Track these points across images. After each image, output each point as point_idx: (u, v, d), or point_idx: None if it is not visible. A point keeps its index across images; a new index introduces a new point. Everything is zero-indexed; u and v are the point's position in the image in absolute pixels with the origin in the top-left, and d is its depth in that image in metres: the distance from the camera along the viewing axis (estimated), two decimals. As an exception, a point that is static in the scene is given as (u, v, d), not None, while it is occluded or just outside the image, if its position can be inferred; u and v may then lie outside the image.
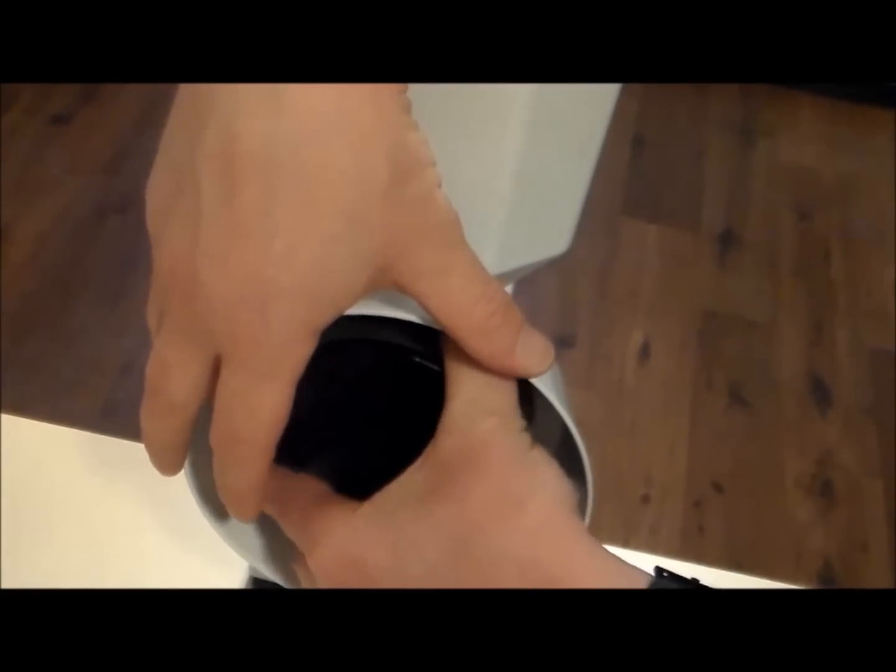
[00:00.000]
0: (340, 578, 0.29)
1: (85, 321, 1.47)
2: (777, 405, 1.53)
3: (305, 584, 0.34)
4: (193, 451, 0.34)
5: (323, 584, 0.30)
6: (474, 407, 0.29)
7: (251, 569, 0.37)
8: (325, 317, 0.26)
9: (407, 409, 0.33)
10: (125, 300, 1.49)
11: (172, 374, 0.27)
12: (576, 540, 0.28)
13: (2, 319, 1.45)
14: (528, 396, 0.32)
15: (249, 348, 0.25)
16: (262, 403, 0.26)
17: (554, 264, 0.36)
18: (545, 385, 0.30)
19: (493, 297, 0.28)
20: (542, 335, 0.29)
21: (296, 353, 0.26)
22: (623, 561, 0.28)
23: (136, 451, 0.51)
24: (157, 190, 0.27)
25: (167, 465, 0.30)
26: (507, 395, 0.30)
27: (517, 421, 0.30)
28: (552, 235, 0.36)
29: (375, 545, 0.28)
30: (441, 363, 0.31)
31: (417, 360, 0.31)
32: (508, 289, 0.37)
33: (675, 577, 0.29)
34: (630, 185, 1.83)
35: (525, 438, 0.29)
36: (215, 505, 0.35)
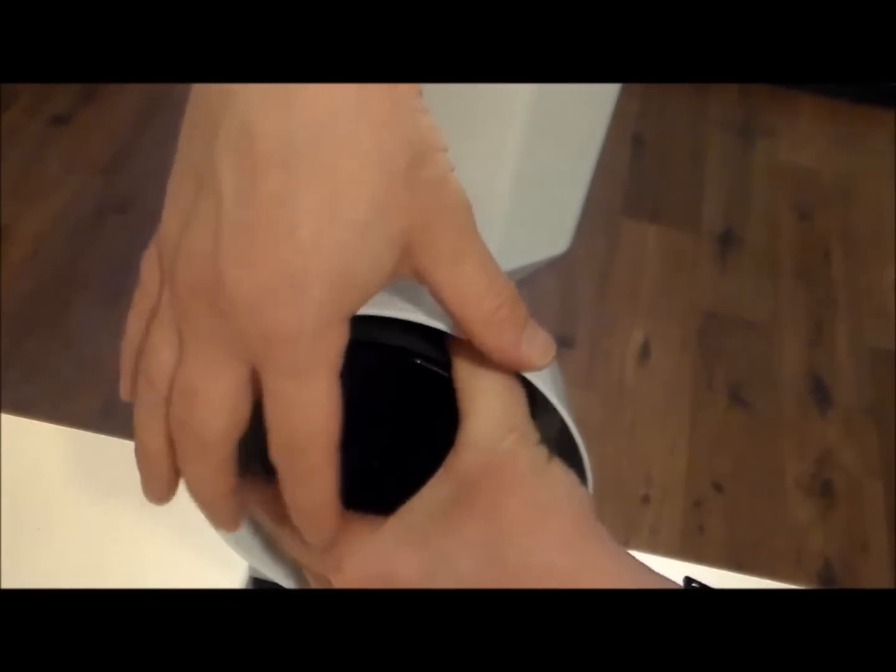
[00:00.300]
0: None
1: (85, 321, 1.47)
2: (777, 405, 1.53)
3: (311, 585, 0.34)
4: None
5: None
6: (494, 422, 0.30)
7: (251, 569, 0.37)
8: (356, 302, 0.25)
9: (409, 411, 0.33)
10: (125, 300, 1.47)
11: (200, 402, 0.26)
12: (603, 548, 0.29)
13: (2, 319, 1.44)
14: (528, 396, 0.32)
15: (286, 345, 0.25)
16: (312, 403, 0.25)
17: (554, 264, 0.36)
18: (545, 385, 0.30)
19: (502, 289, 0.28)
20: (543, 330, 0.30)
21: (333, 342, 0.25)
22: (650, 569, 0.28)
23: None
24: (177, 199, 0.26)
25: (225, 519, 0.29)
26: (522, 407, 0.30)
27: (534, 434, 0.30)
28: (552, 235, 0.36)
29: (406, 560, 0.29)
30: (444, 365, 0.31)
31: (419, 362, 0.31)
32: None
33: (704, 587, 0.30)
34: (630, 185, 1.83)
35: (543, 451, 0.30)
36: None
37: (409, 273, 0.27)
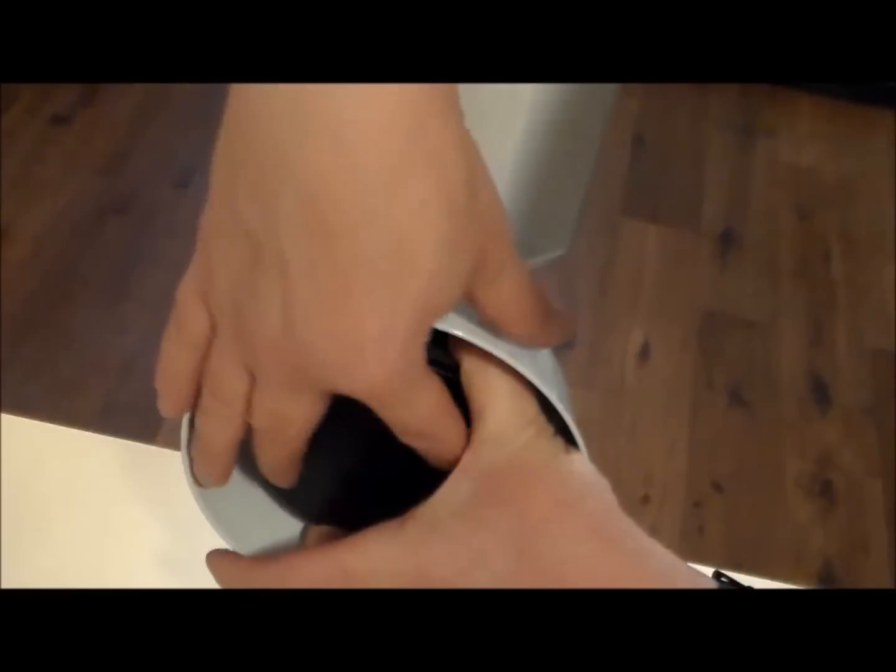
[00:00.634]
0: None
1: (85, 321, 1.47)
2: (777, 405, 1.53)
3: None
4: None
5: None
6: (510, 417, 0.30)
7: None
8: (429, 332, 0.27)
9: None
10: (125, 300, 1.49)
11: (289, 424, 0.29)
12: (633, 536, 0.29)
13: (2, 319, 1.45)
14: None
15: (378, 393, 0.27)
16: (417, 413, 0.28)
17: (554, 264, 0.36)
18: (547, 385, 0.30)
19: (535, 291, 0.29)
20: (563, 310, 0.31)
21: (416, 371, 0.27)
22: (681, 561, 0.28)
23: (136, 451, 0.51)
24: (227, 258, 0.26)
25: (282, 476, 0.32)
26: (534, 402, 0.31)
27: (549, 426, 0.30)
28: (552, 236, 0.36)
29: (437, 558, 0.29)
30: (448, 367, 0.31)
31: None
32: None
33: (734, 582, 0.30)
34: (630, 185, 1.83)
35: (560, 442, 0.30)
36: (216, 505, 0.35)
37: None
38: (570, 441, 0.31)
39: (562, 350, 1.53)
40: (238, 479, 0.37)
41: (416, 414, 0.28)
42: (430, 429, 0.29)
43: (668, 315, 1.63)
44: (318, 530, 0.36)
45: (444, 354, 0.31)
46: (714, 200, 1.84)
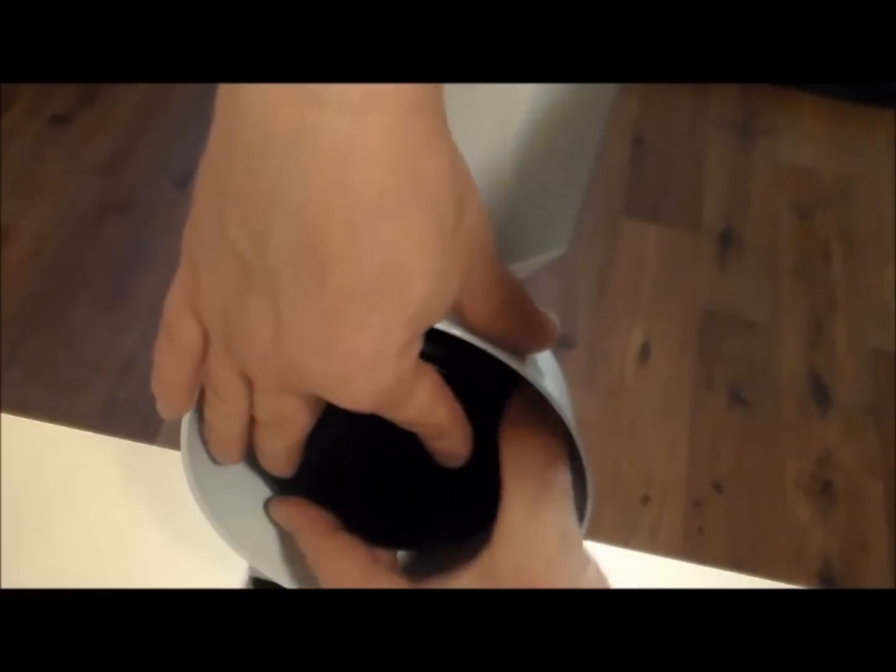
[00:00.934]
0: None
1: (85, 321, 1.47)
2: (777, 405, 1.53)
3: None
4: (196, 451, 0.34)
5: None
6: (535, 521, 0.30)
7: (251, 569, 0.37)
8: (419, 346, 0.28)
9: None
10: (125, 300, 1.49)
11: (290, 424, 0.30)
12: None
13: (2, 319, 1.44)
14: (517, 382, 0.32)
15: (370, 406, 0.27)
16: (419, 418, 0.30)
17: (554, 264, 0.36)
18: (548, 388, 0.30)
19: (518, 297, 0.29)
20: (549, 315, 0.31)
21: (411, 382, 0.28)
22: None
23: (136, 451, 0.51)
24: (217, 281, 0.26)
25: (281, 466, 0.33)
26: (566, 498, 0.31)
27: (576, 533, 0.30)
28: (552, 235, 0.36)
29: None
30: (447, 364, 0.31)
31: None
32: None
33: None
34: (630, 185, 1.83)
35: (582, 557, 0.30)
36: (216, 505, 0.35)
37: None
38: (571, 446, 0.31)
39: (562, 350, 1.53)
40: (237, 478, 0.37)
41: (411, 412, 0.29)
42: (426, 421, 0.30)
43: (668, 315, 1.63)
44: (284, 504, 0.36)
45: (435, 347, 0.31)
46: (714, 200, 1.84)
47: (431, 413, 0.30)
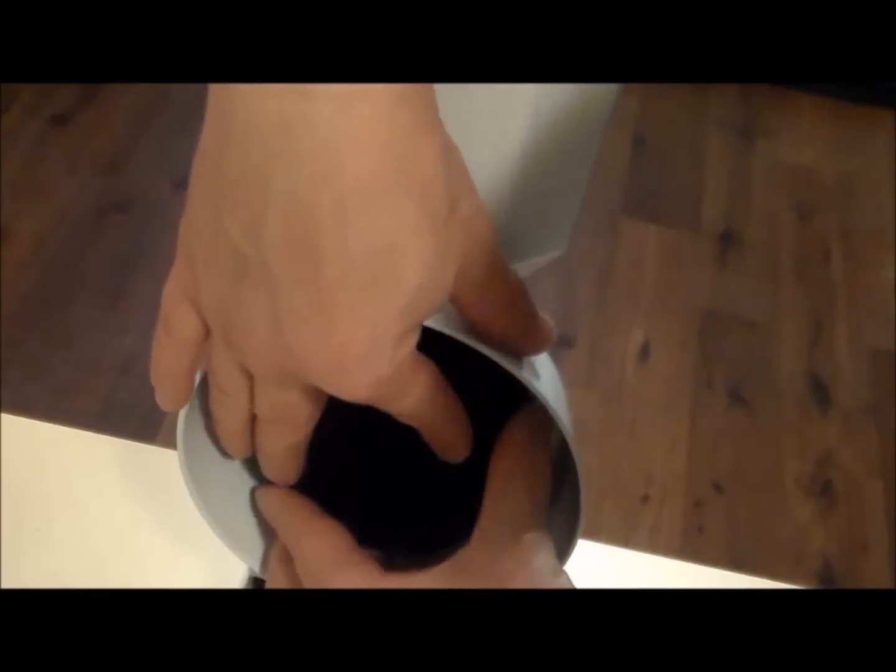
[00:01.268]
0: None
1: (85, 321, 1.47)
2: (777, 405, 1.53)
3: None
4: (192, 451, 0.34)
5: None
6: (512, 527, 0.31)
7: (251, 569, 0.37)
8: (417, 338, 0.28)
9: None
10: (125, 300, 1.49)
11: (292, 417, 0.30)
12: None
13: (2, 319, 1.44)
14: (527, 397, 0.32)
15: (366, 398, 0.27)
16: (411, 414, 0.30)
17: (554, 264, 0.36)
18: (543, 393, 0.30)
19: (520, 298, 0.29)
20: (546, 318, 0.31)
21: (405, 374, 0.28)
22: None
23: (136, 451, 0.51)
24: (214, 273, 0.26)
25: (282, 470, 0.34)
26: (543, 507, 0.32)
27: (548, 540, 0.31)
28: (552, 235, 0.36)
29: None
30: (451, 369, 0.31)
31: None
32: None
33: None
34: (630, 185, 1.83)
35: (557, 567, 0.31)
36: (213, 505, 0.35)
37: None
38: (568, 451, 0.31)
39: (562, 350, 1.53)
40: (235, 479, 0.37)
41: (410, 405, 0.29)
42: (424, 414, 0.30)
43: (668, 315, 1.63)
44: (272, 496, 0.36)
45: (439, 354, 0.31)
46: (714, 200, 1.84)
47: (430, 406, 0.30)
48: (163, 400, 0.32)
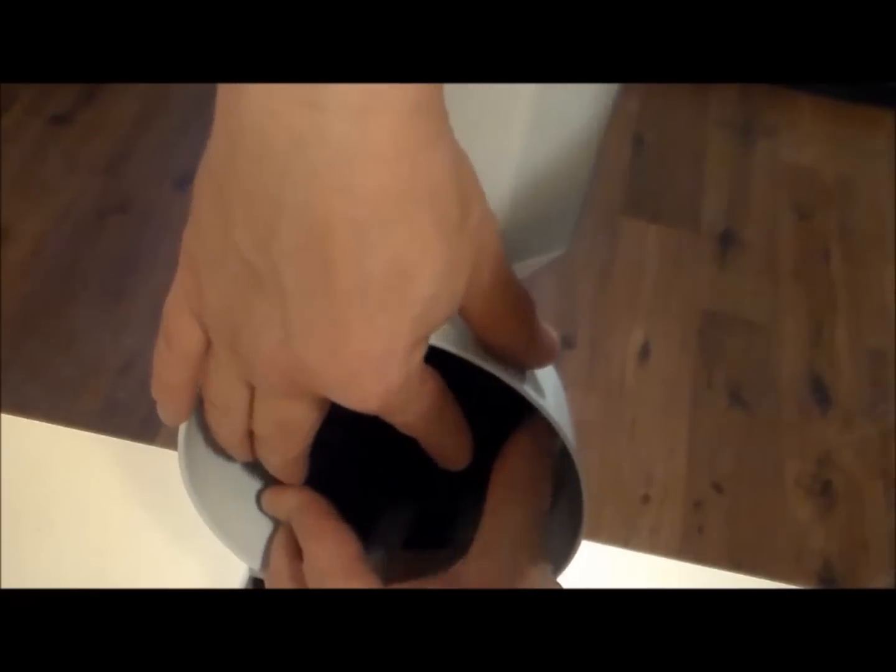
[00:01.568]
0: None
1: (85, 321, 1.47)
2: (777, 405, 1.53)
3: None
4: (191, 452, 0.34)
5: None
6: (514, 536, 0.31)
7: (251, 569, 0.37)
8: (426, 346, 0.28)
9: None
10: (125, 300, 1.48)
11: (294, 430, 0.30)
12: None
13: (2, 319, 1.44)
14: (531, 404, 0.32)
15: (377, 409, 0.27)
16: (415, 424, 0.30)
17: (554, 264, 0.36)
18: (549, 408, 0.30)
19: (525, 307, 0.29)
20: (551, 331, 0.31)
21: (415, 385, 0.28)
22: None
23: (136, 451, 0.51)
24: (221, 285, 0.26)
25: (290, 475, 0.34)
26: (543, 516, 0.32)
27: (544, 549, 0.31)
28: (552, 235, 0.36)
29: None
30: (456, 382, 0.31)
31: None
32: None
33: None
34: (630, 185, 1.83)
35: (554, 583, 0.31)
36: (212, 506, 0.35)
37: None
38: (567, 455, 0.31)
39: (562, 350, 1.53)
40: (236, 480, 0.37)
41: (416, 416, 0.29)
42: (429, 426, 0.30)
43: (668, 315, 1.63)
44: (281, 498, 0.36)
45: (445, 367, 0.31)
46: (714, 200, 1.84)
47: (434, 418, 0.30)
48: (165, 414, 0.31)
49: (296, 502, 0.35)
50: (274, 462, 0.32)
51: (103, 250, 1.56)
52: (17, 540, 0.47)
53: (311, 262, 0.24)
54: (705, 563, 0.49)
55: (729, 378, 1.55)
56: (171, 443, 0.35)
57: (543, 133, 0.32)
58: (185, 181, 1.66)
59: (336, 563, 0.32)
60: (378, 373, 0.26)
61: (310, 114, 0.23)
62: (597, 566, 0.48)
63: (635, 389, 1.52)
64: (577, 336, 1.57)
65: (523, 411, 0.33)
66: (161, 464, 0.49)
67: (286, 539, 0.35)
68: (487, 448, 0.33)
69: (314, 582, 0.32)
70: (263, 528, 0.37)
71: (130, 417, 1.34)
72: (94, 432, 0.51)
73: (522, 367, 0.30)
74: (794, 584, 0.49)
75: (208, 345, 0.29)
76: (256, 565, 0.36)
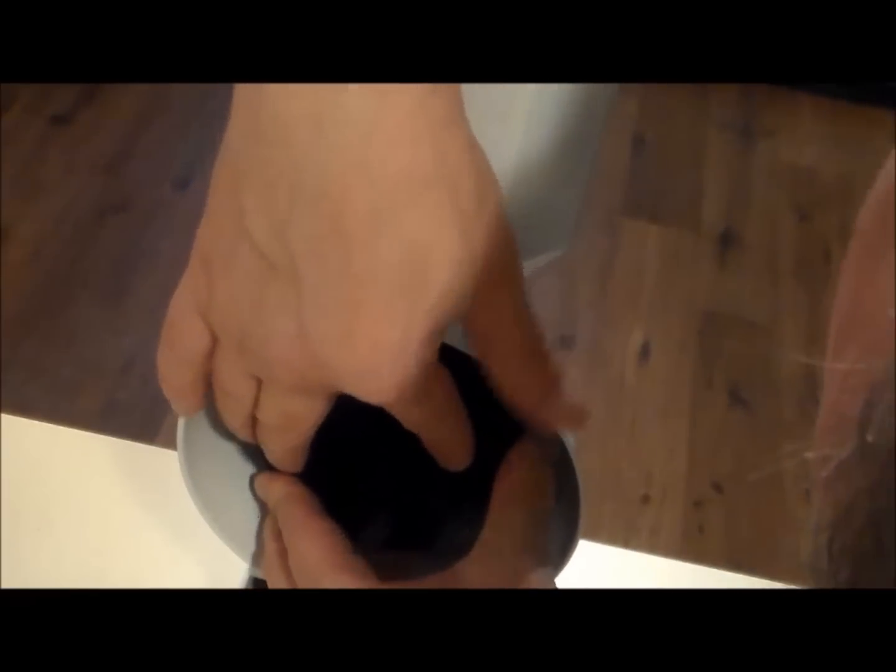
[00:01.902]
0: None
1: (85, 321, 1.47)
2: (777, 405, 1.53)
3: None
4: (191, 452, 0.34)
5: None
6: (516, 539, 0.31)
7: (251, 569, 0.37)
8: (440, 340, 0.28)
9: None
10: (125, 300, 1.48)
11: (301, 423, 0.30)
12: None
13: (2, 319, 1.44)
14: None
15: (390, 400, 0.27)
16: (428, 423, 0.30)
17: (554, 264, 0.36)
18: None
19: (534, 347, 0.29)
20: (574, 400, 0.30)
21: (429, 379, 0.28)
22: None
23: (136, 451, 0.51)
24: (233, 277, 0.26)
25: (286, 461, 0.34)
26: (545, 519, 0.32)
27: (546, 552, 0.31)
28: (552, 235, 0.36)
29: None
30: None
31: None
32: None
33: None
34: (630, 185, 1.83)
35: (551, 576, 0.31)
36: (212, 505, 0.35)
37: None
38: (566, 458, 0.31)
39: (562, 350, 1.53)
40: (235, 478, 0.37)
41: (423, 412, 0.29)
42: (436, 422, 0.30)
43: (668, 315, 1.63)
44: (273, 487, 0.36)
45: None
46: (714, 200, 1.84)
47: (441, 414, 0.30)
48: (179, 410, 0.32)
49: (283, 493, 0.35)
50: (274, 450, 0.32)
51: (103, 250, 1.56)
52: (17, 540, 0.47)
53: (328, 246, 0.24)
54: (705, 563, 0.49)
55: (729, 378, 1.55)
56: (171, 443, 0.35)
57: (542, 132, 0.32)
58: (185, 181, 1.66)
59: (323, 558, 0.32)
60: (394, 362, 0.26)
61: (330, 94, 0.23)
62: (596, 566, 0.48)
63: (635, 389, 1.52)
64: (577, 336, 1.57)
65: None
66: (161, 464, 0.49)
67: (276, 527, 0.35)
68: (486, 445, 0.33)
69: (302, 579, 0.32)
70: (257, 518, 0.37)
71: (130, 417, 1.34)
72: (94, 432, 0.51)
73: (536, 420, 0.30)
74: (794, 584, 0.49)
75: (214, 345, 0.29)
76: (249, 554, 0.36)
